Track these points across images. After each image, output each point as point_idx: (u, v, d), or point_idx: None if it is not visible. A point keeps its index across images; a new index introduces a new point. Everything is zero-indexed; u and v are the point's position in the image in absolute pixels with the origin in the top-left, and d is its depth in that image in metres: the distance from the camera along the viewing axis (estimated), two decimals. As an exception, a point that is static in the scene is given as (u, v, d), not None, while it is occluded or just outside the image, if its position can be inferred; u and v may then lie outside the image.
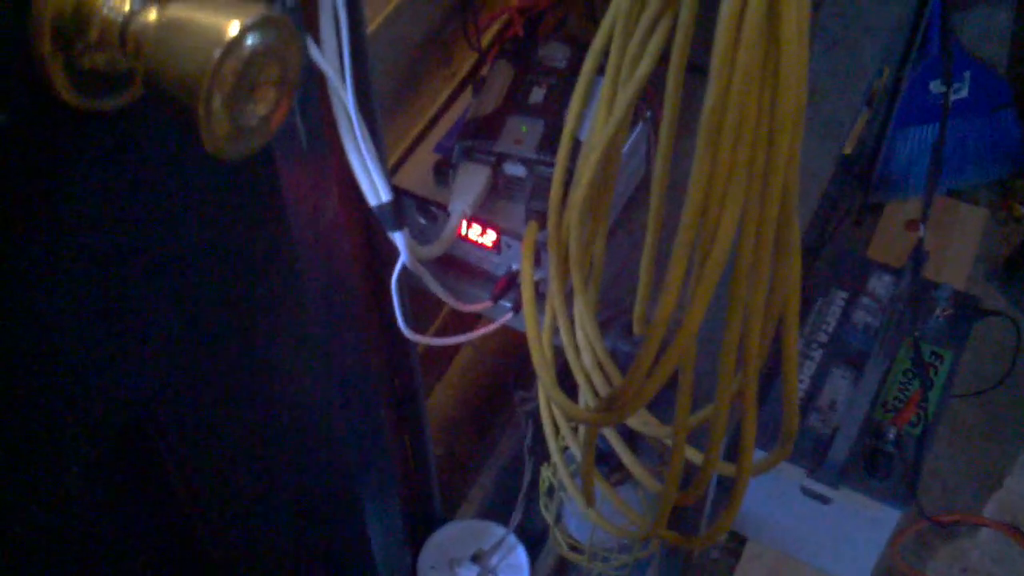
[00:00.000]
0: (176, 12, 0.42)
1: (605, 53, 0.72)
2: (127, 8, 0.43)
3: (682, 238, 0.61)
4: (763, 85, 0.57)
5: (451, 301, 0.92)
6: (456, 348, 1.65)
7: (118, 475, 0.65)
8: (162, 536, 0.73)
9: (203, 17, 0.41)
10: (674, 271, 0.61)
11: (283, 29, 0.41)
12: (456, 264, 0.98)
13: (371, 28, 0.95)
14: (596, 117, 0.75)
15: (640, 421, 0.84)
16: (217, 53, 0.40)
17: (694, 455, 0.83)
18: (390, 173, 0.98)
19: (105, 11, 0.43)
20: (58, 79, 0.44)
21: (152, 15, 0.43)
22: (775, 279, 0.65)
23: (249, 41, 0.40)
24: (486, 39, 1.13)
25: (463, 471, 1.61)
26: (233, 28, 0.39)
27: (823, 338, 1.55)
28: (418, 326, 0.95)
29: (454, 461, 1.62)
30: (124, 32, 0.43)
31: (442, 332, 1.07)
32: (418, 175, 0.97)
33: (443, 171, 0.95)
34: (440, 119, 1.04)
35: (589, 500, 0.89)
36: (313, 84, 0.72)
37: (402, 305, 0.88)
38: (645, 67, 0.68)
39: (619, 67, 0.71)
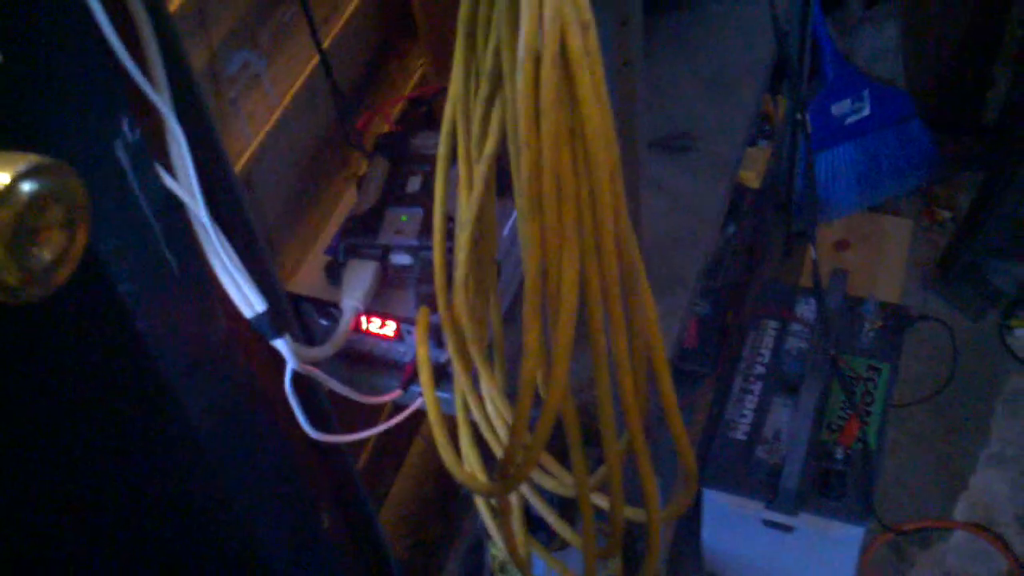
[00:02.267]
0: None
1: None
2: None
3: (528, 303, 0.63)
4: (573, 147, 0.60)
5: (354, 396, 0.94)
6: (407, 443, 1.66)
7: None
8: None
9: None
10: (528, 335, 0.63)
11: (62, 174, 0.43)
12: (364, 358, 1.00)
13: (256, 142, 0.98)
14: (459, 196, 0.78)
15: (553, 482, 0.86)
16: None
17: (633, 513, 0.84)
18: (286, 279, 1.00)
19: None
20: None
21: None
22: (633, 327, 0.68)
23: (23, 189, 0.42)
24: (370, 140, 1.16)
25: (432, 558, 1.61)
26: (2, 179, 0.41)
27: (760, 370, 1.58)
28: (366, 421, 0.96)
29: (422, 549, 1.62)
30: None
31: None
32: (313, 279, 0.99)
33: (334, 271, 0.97)
34: (329, 223, 1.07)
35: (524, 571, 0.90)
36: (175, 213, 0.74)
37: (306, 407, 0.89)
38: (490, 145, 0.71)
39: (468, 147, 0.74)
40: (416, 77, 1.30)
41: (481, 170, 0.74)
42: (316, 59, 1.05)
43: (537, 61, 0.58)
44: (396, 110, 1.19)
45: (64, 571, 0.69)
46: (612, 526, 0.79)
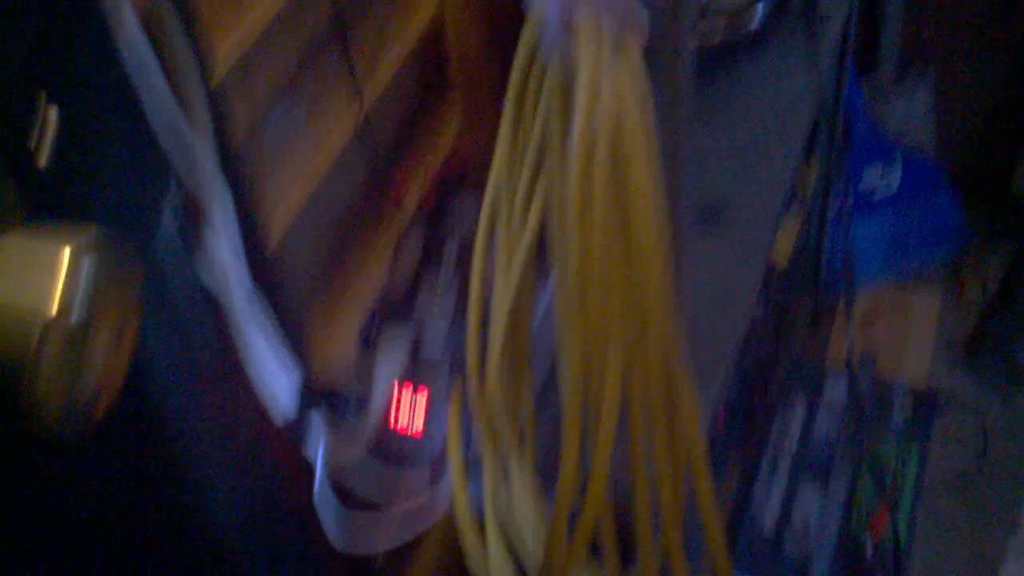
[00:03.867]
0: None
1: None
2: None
3: (569, 403, 0.58)
4: (622, 238, 0.55)
5: (386, 503, 0.88)
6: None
7: None
8: None
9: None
10: (568, 444, 0.58)
11: (122, 254, 0.38)
12: (393, 457, 0.94)
13: (289, 220, 0.92)
14: (496, 285, 0.73)
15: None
16: (36, 334, 0.37)
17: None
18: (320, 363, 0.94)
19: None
20: None
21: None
22: (674, 431, 0.62)
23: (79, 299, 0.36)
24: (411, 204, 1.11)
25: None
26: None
27: (788, 454, 1.52)
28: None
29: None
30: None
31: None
32: (340, 366, 0.94)
33: (362, 360, 0.92)
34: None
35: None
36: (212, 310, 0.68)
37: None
38: (530, 234, 0.67)
39: (508, 232, 0.70)
40: (449, 138, 1.25)
41: (520, 256, 0.69)
42: (354, 119, 1.00)
43: (591, 144, 0.53)
44: (430, 173, 1.14)
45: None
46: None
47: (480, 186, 1.09)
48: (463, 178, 1.11)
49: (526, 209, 0.67)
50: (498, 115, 1.17)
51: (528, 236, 0.66)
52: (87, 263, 0.38)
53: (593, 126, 0.53)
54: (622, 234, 0.54)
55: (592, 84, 0.54)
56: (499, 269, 0.72)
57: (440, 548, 1.55)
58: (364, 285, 1.04)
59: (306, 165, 0.97)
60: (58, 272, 0.38)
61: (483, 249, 0.74)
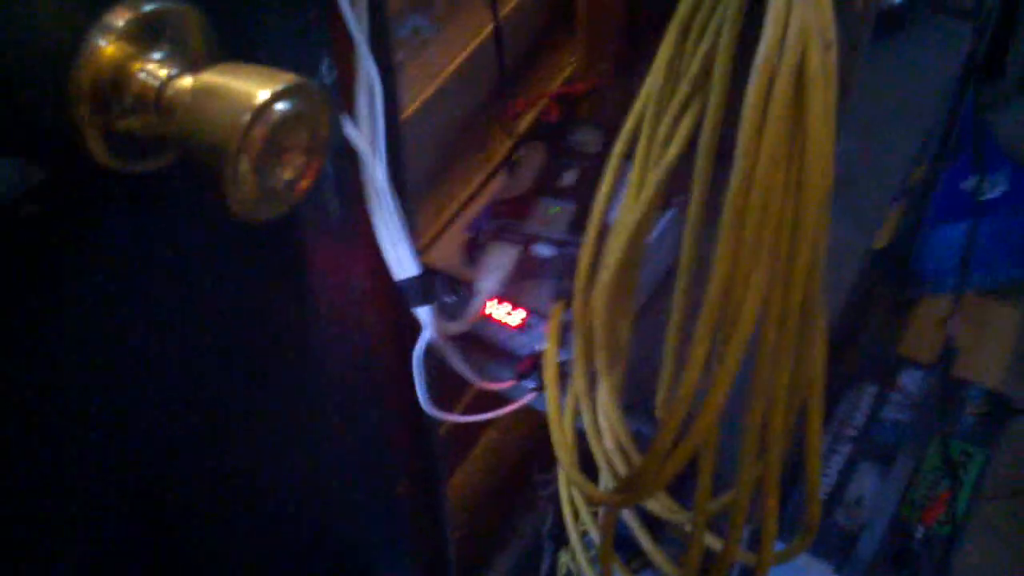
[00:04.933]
0: (210, 78, 0.43)
1: (636, 137, 0.73)
2: (164, 74, 0.44)
3: (705, 318, 0.61)
4: (789, 167, 0.58)
5: (474, 378, 0.92)
6: (481, 430, 1.64)
7: (120, 538, 0.64)
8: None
9: (235, 84, 0.42)
10: (696, 351, 0.61)
11: (313, 97, 0.42)
12: (481, 343, 0.98)
13: (410, 111, 0.96)
14: (625, 199, 0.76)
15: (661, 506, 0.83)
16: (246, 118, 0.41)
17: (715, 542, 0.81)
18: (420, 252, 0.99)
19: (142, 76, 0.44)
20: (94, 141, 0.45)
21: (187, 81, 0.44)
22: (798, 364, 0.65)
23: (278, 107, 0.41)
24: (522, 126, 1.15)
25: (482, 554, 1.59)
26: (263, 94, 0.40)
27: (851, 433, 1.54)
28: (441, 406, 0.95)
29: (474, 543, 1.60)
30: (159, 97, 0.44)
31: (465, 413, 1.07)
32: (448, 254, 0.98)
33: (473, 250, 0.95)
34: (473, 201, 1.05)
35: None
36: (346, 160, 0.73)
37: (425, 383, 0.88)
38: (675, 149, 0.69)
39: (649, 149, 0.72)
40: (567, 72, 1.28)
41: (657, 174, 0.72)
42: (484, 33, 1.03)
43: (772, 73, 0.55)
44: (546, 102, 1.17)
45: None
46: (721, 561, 0.76)
47: (595, 119, 1.12)
48: (579, 107, 1.14)
49: (669, 138, 0.69)
50: (618, 53, 1.19)
51: (670, 156, 0.68)
52: (295, 79, 0.43)
53: (778, 55, 0.56)
54: (790, 164, 0.57)
55: (779, 20, 0.56)
56: (631, 186, 0.75)
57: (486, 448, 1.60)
58: (460, 189, 1.08)
59: (436, 64, 1.00)
60: (272, 76, 0.42)
61: (616, 169, 0.77)
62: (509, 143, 1.15)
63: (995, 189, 2.01)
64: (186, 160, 0.44)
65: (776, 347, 0.62)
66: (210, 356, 0.65)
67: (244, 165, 0.41)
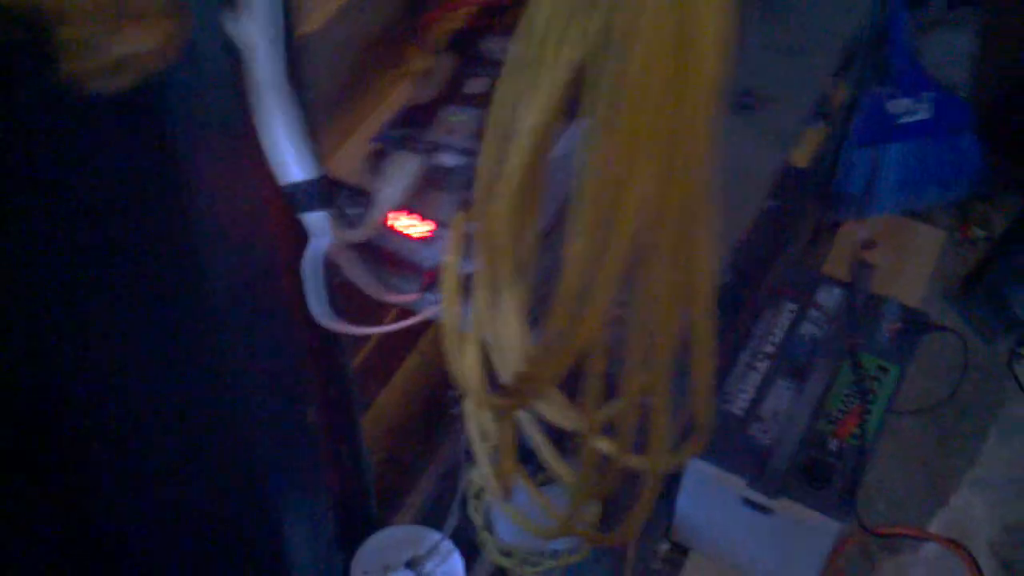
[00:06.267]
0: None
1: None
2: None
3: (586, 214, 0.61)
4: (677, 58, 0.56)
5: (377, 291, 0.91)
6: (403, 354, 1.64)
7: (18, 466, 0.63)
8: (65, 532, 0.72)
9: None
10: (575, 247, 0.61)
11: None
12: (386, 256, 0.97)
13: (316, 26, 0.94)
14: (528, 102, 0.74)
15: (558, 413, 0.84)
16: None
17: (613, 448, 0.82)
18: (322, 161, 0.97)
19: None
20: None
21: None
22: (686, 264, 0.65)
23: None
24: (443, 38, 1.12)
25: (404, 476, 1.59)
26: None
27: (769, 349, 1.56)
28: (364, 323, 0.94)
29: (395, 466, 1.61)
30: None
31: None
32: (351, 165, 0.96)
33: (376, 161, 0.94)
34: (379, 112, 1.03)
35: (506, 493, 0.88)
36: (229, 58, 0.70)
37: (317, 291, 0.86)
38: (576, 51, 0.68)
39: (545, 50, 0.71)
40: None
41: (556, 75, 0.70)
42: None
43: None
44: (464, 12, 1.15)
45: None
46: (611, 463, 0.77)
47: (509, 30, 1.10)
48: (492, 18, 1.12)
49: (563, 40, 0.68)
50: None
51: (565, 57, 0.67)
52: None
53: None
54: (676, 58, 0.56)
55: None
56: (530, 96, 0.73)
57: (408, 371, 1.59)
58: (374, 104, 1.06)
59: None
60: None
61: (512, 77, 0.75)
62: (429, 57, 1.13)
63: (920, 112, 2.02)
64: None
65: (659, 247, 0.62)
66: (86, 269, 0.63)
67: (73, 32, 0.39)
